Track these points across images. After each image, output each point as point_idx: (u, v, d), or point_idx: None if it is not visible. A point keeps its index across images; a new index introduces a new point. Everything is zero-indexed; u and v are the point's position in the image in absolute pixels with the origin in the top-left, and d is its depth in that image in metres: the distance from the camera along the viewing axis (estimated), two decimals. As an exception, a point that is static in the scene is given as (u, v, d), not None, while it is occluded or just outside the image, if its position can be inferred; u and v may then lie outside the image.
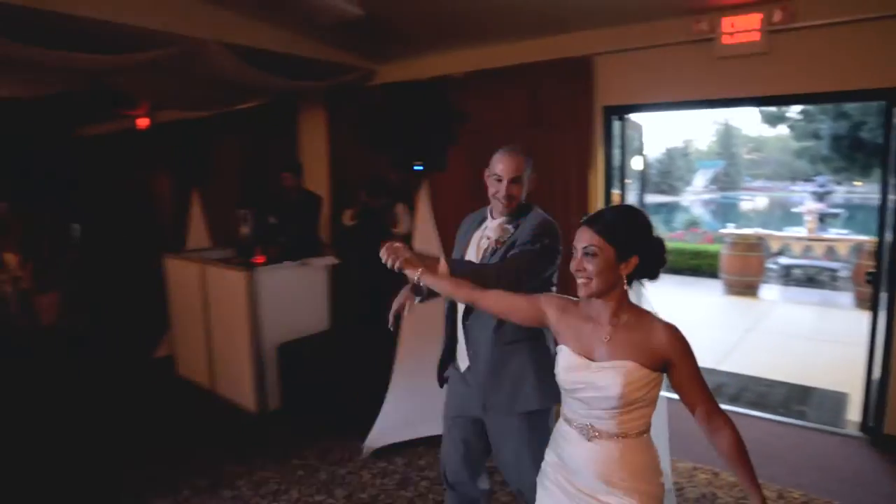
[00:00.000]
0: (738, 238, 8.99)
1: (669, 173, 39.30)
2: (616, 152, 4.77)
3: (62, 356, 5.76)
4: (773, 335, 6.76)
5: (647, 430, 1.73)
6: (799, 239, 9.54)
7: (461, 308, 2.38)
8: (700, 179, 41.79)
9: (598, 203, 4.67)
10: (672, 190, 38.13)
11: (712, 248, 10.52)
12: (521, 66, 4.74)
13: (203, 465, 3.71)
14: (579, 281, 1.71)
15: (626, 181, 5.06)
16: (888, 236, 3.77)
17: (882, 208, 3.84)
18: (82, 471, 3.70)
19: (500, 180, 2.28)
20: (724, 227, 11.34)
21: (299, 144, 6.67)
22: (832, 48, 3.73)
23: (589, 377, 1.69)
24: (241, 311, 4.35)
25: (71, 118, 9.33)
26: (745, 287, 8.85)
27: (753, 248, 8.82)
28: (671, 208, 30.55)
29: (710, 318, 7.72)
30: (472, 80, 5.00)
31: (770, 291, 9.20)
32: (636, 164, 5.74)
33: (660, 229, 9.98)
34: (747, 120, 44.98)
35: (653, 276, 1.75)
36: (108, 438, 4.14)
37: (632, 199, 5.51)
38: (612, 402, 1.66)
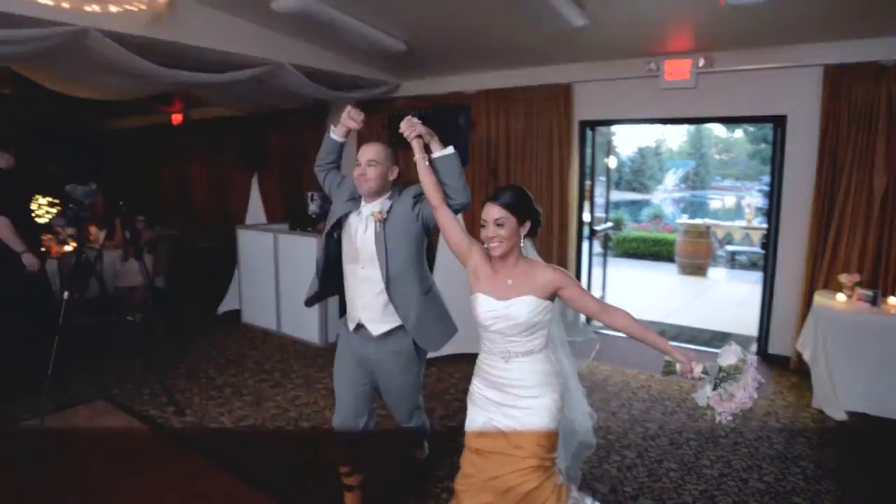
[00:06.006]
0: (690, 227, 10.68)
1: (641, 172, 40.86)
2: (588, 154, 6.34)
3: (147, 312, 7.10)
4: (711, 302, 8.44)
5: (546, 345, 2.30)
6: (741, 228, 11.30)
7: (369, 274, 2.71)
8: (671, 178, 43.37)
9: (574, 191, 6.22)
10: (643, 188, 39.68)
11: (670, 236, 12.18)
12: (519, 88, 6.27)
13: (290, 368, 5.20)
14: (493, 245, 2.24)
15: (598, 178, 6.66)
16: (774, 223, 5.42)
17: (770, 204, 5.47)
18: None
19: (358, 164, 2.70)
20: (680, 218, 13.04)
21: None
22: (738, 86, 5.32)
23: (502, 312, 2.22)
24: (311, 267, 5.81)
25: (105, 113, 10.54)
26: (696, 268, 10.52)
27: (702, 236, 10.51)
28: (641, 205, 32.18)
29: (663, 290, 9.37)
30: (480, 96, 6.52)
31: (717, 272, 10.90)
32: (609, 162, 7.32)
33: (627, 222, 11.58)
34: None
35: (535, 234, 2.34)
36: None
37: (600, 192, 7.10)
38: (521, 327, 2.21)
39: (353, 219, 2.77)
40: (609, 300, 7.19)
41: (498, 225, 2.21)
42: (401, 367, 2.84)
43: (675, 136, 43.21)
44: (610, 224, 7.67)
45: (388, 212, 2.70)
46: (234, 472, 3.55)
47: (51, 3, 3.49)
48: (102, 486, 3.37)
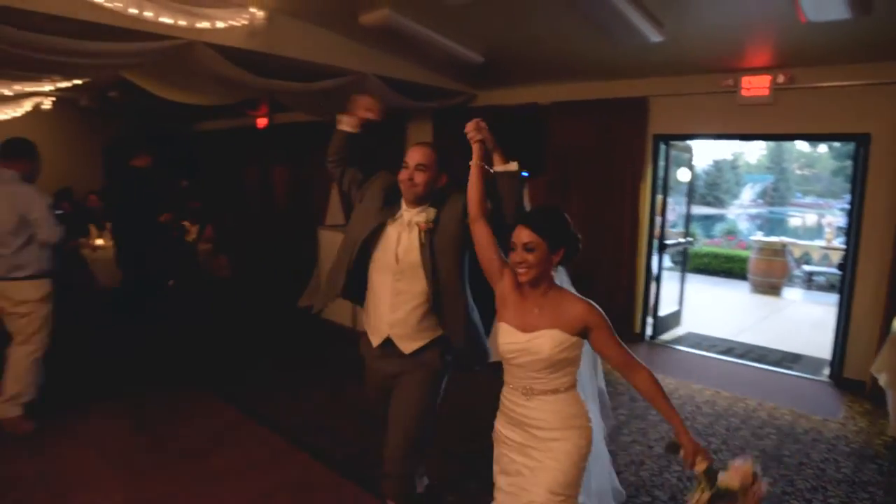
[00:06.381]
0: (765, 244, 10.40)
1: (717, 185, 39.47)
2: (661, 167, 6.35)
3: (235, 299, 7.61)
4: (784, 322, 8.23)
5: (573, 385, 2.10)
6: (820, 248, 10.92)
7: (407, 287, 2.51)
8: (748, 193, 41.71)
9: (646, 205, 6.25)
10: (718, 202, 38.39)
11: (743, 253, 11.87)
12: (593, 100, 6.36)
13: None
14: (520, 270, 2.06)
15: (677, 193, 6.65)
16: (853, 243, 5.30)
17: (850, 223, 5.35)
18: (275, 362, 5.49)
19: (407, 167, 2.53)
20: (755, 234, 12.68)
21: (407, 149, 8.38)
22: (819, 103, 5.25)
23: (524, 345, 2.04)
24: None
25: (194, 115, 11.20)
26: (770, 287, 10.23)
27: (777, 254, 10.21)
28: (715, 220, 31.16)
29: (734, 307, 9.20)
30: (555, 108, 6.65)
31: (792, 293, 10.56)
32: (682, 175, 7.27)
33: (699, 237, 11.32)
34: (799, 136, 44.32)
35: (569, 262, 2.15)
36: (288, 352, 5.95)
37: (673, 205, 7.08)
38: (543, 363, 2.02)
39: (390, 227, 2.56)
40: (685, 316, 7.24)
41: (527, 250, 2.03)
42: (419, 381, 2.58)
43: (754, 150, 41.62)
44: (689, 239, 7.59)
45: (435, 222, 2.50)
46: (312, 454, 3.84)
47: (170, 22, 3.88)
48: (193, 459, 3.72)
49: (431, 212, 2.51)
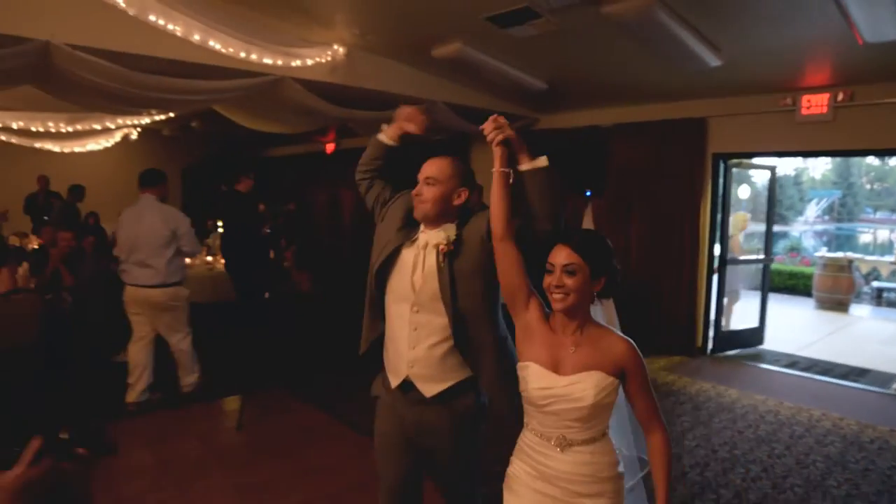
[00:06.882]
0: (830, 261, 10.30)
1: (779, 202, 38.27)
2: (720, 185, 6.53)
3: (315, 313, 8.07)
4: (850, 338, 8.17)
5: (607, 430, 1.85)
6: (889, 263, 10.72)
7: (426, 320, 2.13)
8: (812, 209, 40.29)
9: (706, 222, 6.43)
10: (780, 219, 37.16)
11: (807, 270, 11.72)
12: (652, 122, 6.61)
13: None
14: (556, 296, 1.78)
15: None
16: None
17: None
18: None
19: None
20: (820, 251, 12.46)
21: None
22: (881, 118, 5.34)
23: (562, 391, 1.76)
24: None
25: (266, 142, 11.92)
26: (836, 304, 10.10)
27: (843, 270, 10.08)
28: (777, 237, 30.13)
29: (798, 323, 9.14)
30: (615, 129, 6.92)
31: (860, 309, 10.38)
32: (742, 193, 7.38)
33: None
34: (866, 150, 42.52)
35: (609, 295, 1.86)
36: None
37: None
38: (584, 411, 1.75)
39: (405, 250, 2.21)
40: (768, 334, 7.14)
41: (567, 272, 1.77)
42: (459, 433, 2.22)
43: (818, 165, 40.22)
44: (771, 257, 7.45)
45: (455, 242, 2.13)
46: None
47: (269, 62, 4.38)
48: (287, 454, 4.14)
49: (451, 230, 2.15)
